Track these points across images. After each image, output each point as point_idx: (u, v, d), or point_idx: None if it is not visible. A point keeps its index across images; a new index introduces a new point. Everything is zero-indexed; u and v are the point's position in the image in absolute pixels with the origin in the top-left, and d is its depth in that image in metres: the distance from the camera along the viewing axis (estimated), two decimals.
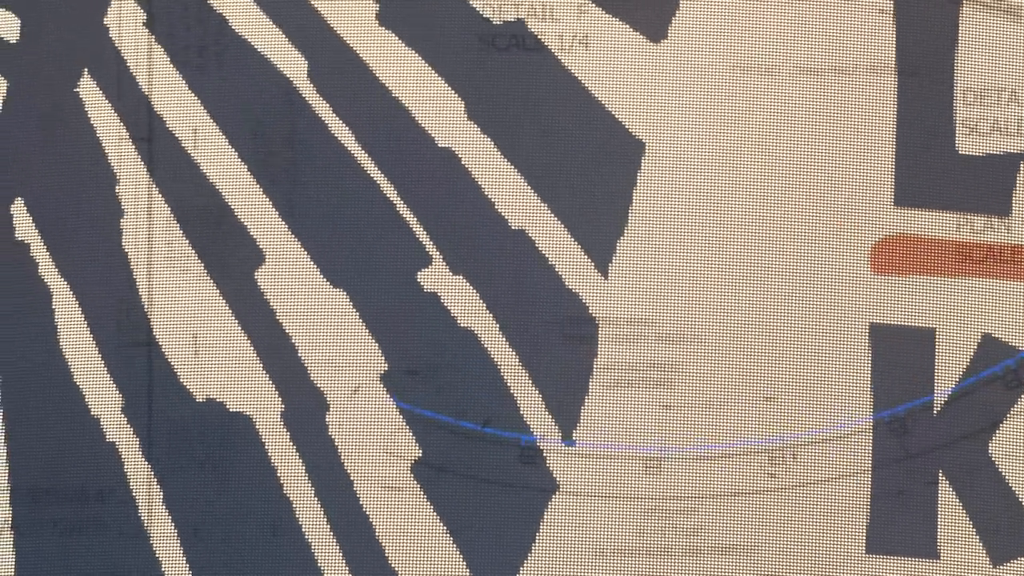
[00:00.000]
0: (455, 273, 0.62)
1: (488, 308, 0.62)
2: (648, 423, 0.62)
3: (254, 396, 0.62)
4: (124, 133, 0.62)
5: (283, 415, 0.62)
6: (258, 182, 0.62)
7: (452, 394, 0.62)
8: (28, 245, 0.62)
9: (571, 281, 0.62)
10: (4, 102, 0.62)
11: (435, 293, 0.62)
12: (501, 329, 0.62)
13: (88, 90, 0.62)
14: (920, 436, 0.62)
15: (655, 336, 0.62)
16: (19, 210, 0.62)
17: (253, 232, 0.62)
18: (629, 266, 0.62)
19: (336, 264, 0.62)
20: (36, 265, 0.62)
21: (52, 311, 0.62)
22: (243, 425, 0.62)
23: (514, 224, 0.62)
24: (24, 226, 0.62)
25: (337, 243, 0.62)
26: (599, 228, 0.62)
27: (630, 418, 0.62)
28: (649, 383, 0.62)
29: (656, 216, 0.62)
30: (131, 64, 0.62)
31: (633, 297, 0.62)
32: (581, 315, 0.62)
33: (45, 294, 0.62)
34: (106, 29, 0.62)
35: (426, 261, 0.62)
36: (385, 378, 0.62)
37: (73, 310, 0.61)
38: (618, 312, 0.62)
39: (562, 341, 0.62)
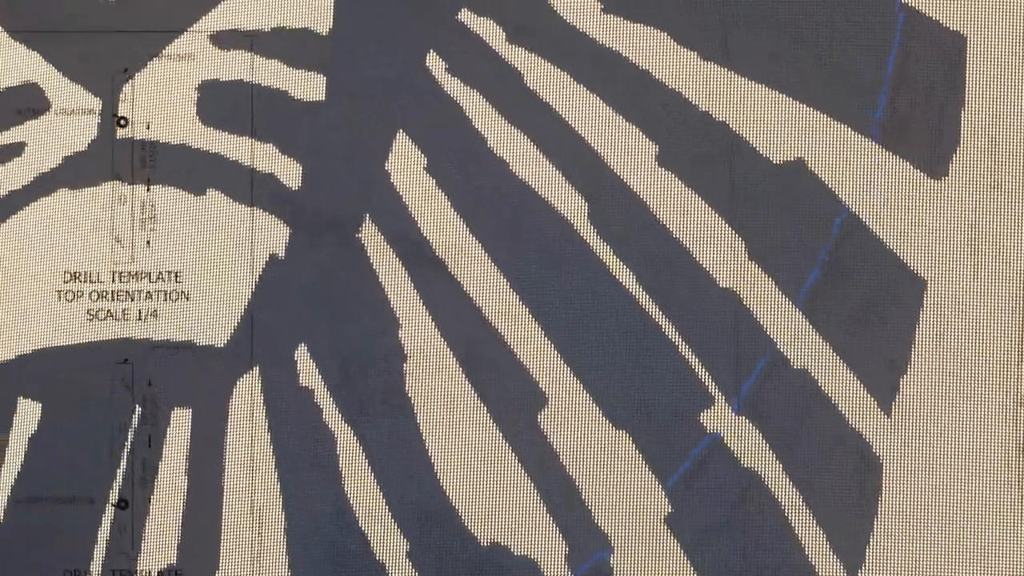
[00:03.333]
0: (737, 415, 0.62)
1: None
2: None
3: None
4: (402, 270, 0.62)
5: None
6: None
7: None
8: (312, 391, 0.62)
9: None
10: (287, 247, 0.62)
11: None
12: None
13: (368, 233, 0.62)
14: None
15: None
16: (303, 355, 0.62)
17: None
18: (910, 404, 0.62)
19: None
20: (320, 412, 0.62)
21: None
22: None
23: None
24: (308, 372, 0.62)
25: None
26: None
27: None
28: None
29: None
30: (408, 198, 0.62)
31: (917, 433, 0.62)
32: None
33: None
34: (388, 174, 0.62)
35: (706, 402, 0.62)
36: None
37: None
38: (903, 449, 0.62)
39: None
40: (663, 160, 0.62)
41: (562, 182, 0.62)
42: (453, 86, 0.62)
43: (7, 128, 0.63)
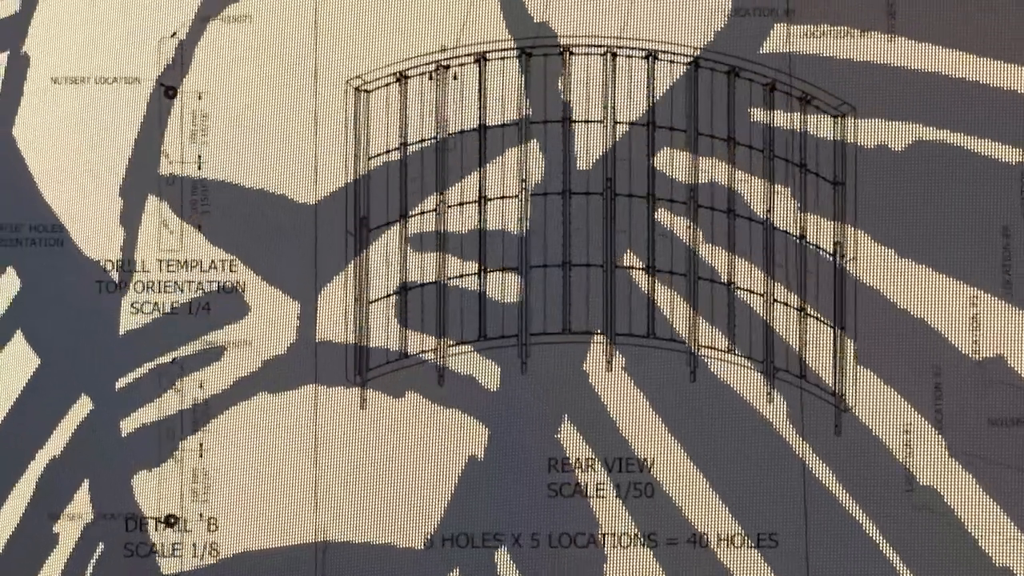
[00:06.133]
0: None
1: None
2: None
3: None
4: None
5: None
6: None
7: None
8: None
9: None
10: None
11: None
12: None
13: (566, 432, 0.62)
14: None
15: None
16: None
17: None
18: None
19: None
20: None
21: None
22: None
23: None
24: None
25: None
26: None
27: None
28: None
29: None
30: (606, 400, 0.63)
31: None
32: None
33: None
34: (585, 375, 0.62)
35: None
36: None
37: None
38: None
39: None
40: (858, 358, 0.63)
41: (752, 377, 0.63)
42: (648, 284, 0.62)
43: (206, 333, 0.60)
